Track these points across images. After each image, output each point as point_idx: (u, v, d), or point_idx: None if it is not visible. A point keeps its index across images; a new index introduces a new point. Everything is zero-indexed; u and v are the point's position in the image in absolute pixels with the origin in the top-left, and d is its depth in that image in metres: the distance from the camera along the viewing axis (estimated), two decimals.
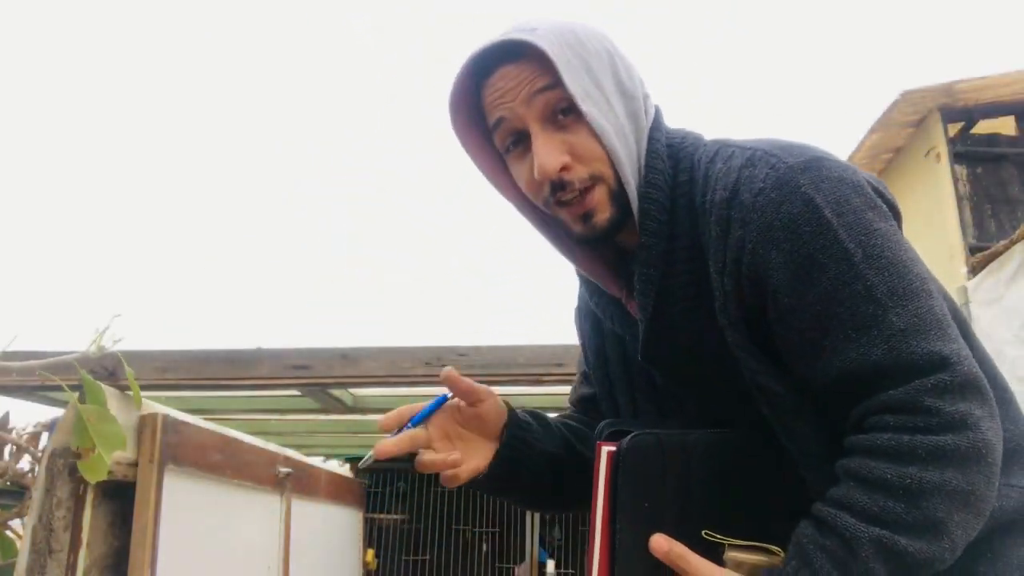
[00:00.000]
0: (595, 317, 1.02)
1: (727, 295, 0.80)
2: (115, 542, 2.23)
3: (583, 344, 1.08)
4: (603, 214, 0.84)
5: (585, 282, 0.98)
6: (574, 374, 1.17)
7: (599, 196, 0.83)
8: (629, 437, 0.80)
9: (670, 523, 0.77)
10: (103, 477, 1.90)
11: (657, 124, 0.88)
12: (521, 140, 0.85)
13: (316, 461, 3.98)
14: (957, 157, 6.37)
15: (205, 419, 2.77)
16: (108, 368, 2.29)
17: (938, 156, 6.37)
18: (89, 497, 2.10)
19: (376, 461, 0.93)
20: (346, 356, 2.54)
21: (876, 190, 0.80)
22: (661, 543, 0.76)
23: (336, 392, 3.11)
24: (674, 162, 0.86)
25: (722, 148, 0.85)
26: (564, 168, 0.82)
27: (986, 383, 0.72)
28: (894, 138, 6.71)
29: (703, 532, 0.77)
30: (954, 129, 6.51)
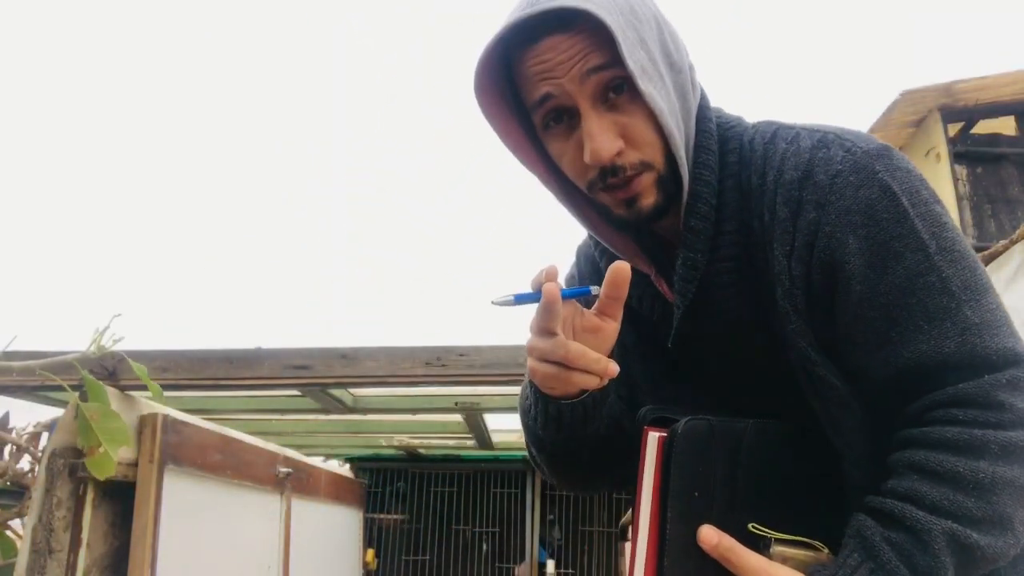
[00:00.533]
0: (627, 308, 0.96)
1: (794, 280, 0.76)
2: (115, 542, 2.23)
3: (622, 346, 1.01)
4: (648, 199, 0.80)
5: (607, 258, 0.91)
6: None
7: (646, 182, 0.79)
8: (684, 422, 0.76)
9: (717, 513, 0.75)
10: (111, 473, 1.90)
11: (706, 101, 0.85)
12: (564, 117, 0.79)
13: (316, 461, 3.99)
14: (957, 157, 6.38)
15: (205, 419, 2.77)
16: (108, 368, 2.29)
17: (938, 156, 6.37)
18: (89, 497, 2.10)
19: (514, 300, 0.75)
20: (346, 356, 2.54)
21: None
22: (711, 535, 0.73)
23: (336, 392, 3.10)
24: (721, 142, 0.83)
25: (781, 129, 0.82)
26: (619, 153, 0.77)
27: None
28: (894, 138, 6.71)
29: (749, 525, 0.75)
30: (954, 129, 6.51)
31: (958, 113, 6.39)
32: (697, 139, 0.82)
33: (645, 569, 0.75)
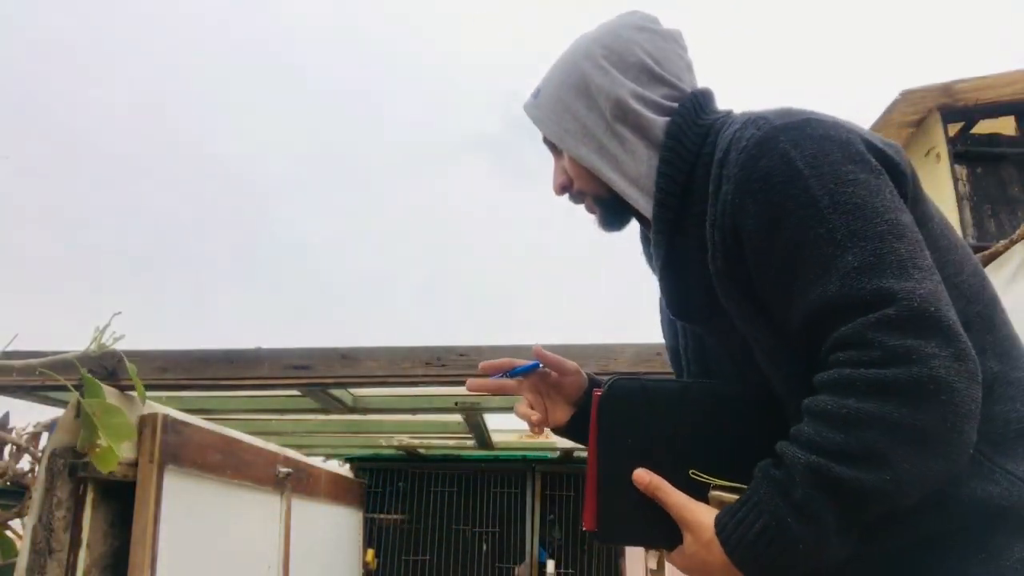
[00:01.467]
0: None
1: (715, 246, 0.86)
2: (115, 542, 2.23)
3: (660, 307, 1.15)
4: (596, 215, 1.03)
5: (645, 240, 1.10)
6: None
7: (588, 205, 1.03)
8: (610, 380, 0.90)
9: (660, 463, 0.85)
10: (114, 467, 1.90)
11: (691, 107, 0.96)
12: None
13: (316, 461, 3.99)
14: (957, 157, 6.37)
15: (205, 419, 2.77)
16: (108, 368, 2.29)
17: (938, 156, 6.36)
18: (89, 497, 2.10)
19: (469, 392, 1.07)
20: (346, 356, 2.54)
21: (875, 148, 0.83)
22: (642, 476, 0.84)
23: (336, 392, 3.10)
24: (702, 137, 0.93)
25: (738, 117, 0.91)
26: (564, 188, 1.03)
27: (955, 325, 0.72)
28: (894, 138, 6.70)
29: (690, 472, 0.84)
30: (954, 129, 6.50)
31: (958, 113, 6.38)
32: (666, 142, 0.94)
33: (586, 505, 0.88)
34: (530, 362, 1.05)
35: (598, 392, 0.90)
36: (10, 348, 1.91)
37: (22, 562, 1.98)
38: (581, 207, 1.06)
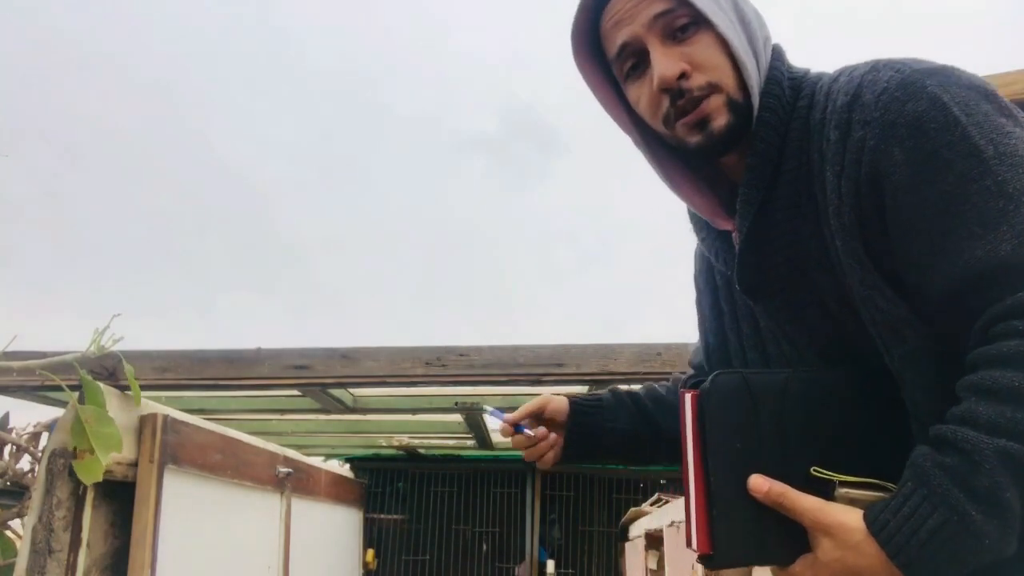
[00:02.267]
0: (709, 269, 1.02)
1: (842, 198, 0.77)
2: (115, 542, 2.23)
3: (699, 301, 1.08)
4: (720, 120, 0.83)
5: (696, 222, 0.98)
6: (573, 374, 1.22)
7: (716, 102, 0.83)
8: (712, 377, 0.79)
9: (770, 464, 0.75)
10: (98, 479, 1.90)
11: (779, 55, 0.88)
12: (641, 62, 0.86)
13: (316, 461, 3.99)
14: None
15: (205, 419, 2.77)
16: (108, 368, 2.29)
17: None
18: (89, 497, 2.10)
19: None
20: (346, 356, 2.54)
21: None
22: (760, 483, 0.74)
23: (336, 392, 3.10)
24: (795, 90, 0.85)
25: (847, 67, 0.83)
26: (683, 75, 0.82)
27: None
28: None
29: (811, 469, 0.75)
30: None
31: None
32: (765, 85, 0.85)
33: (697, 525, 0.76)
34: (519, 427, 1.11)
35: (689, 392, 0.80)
36: (10, 349, 1.91)
37: (22, 562, 1.98)
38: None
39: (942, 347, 0.73)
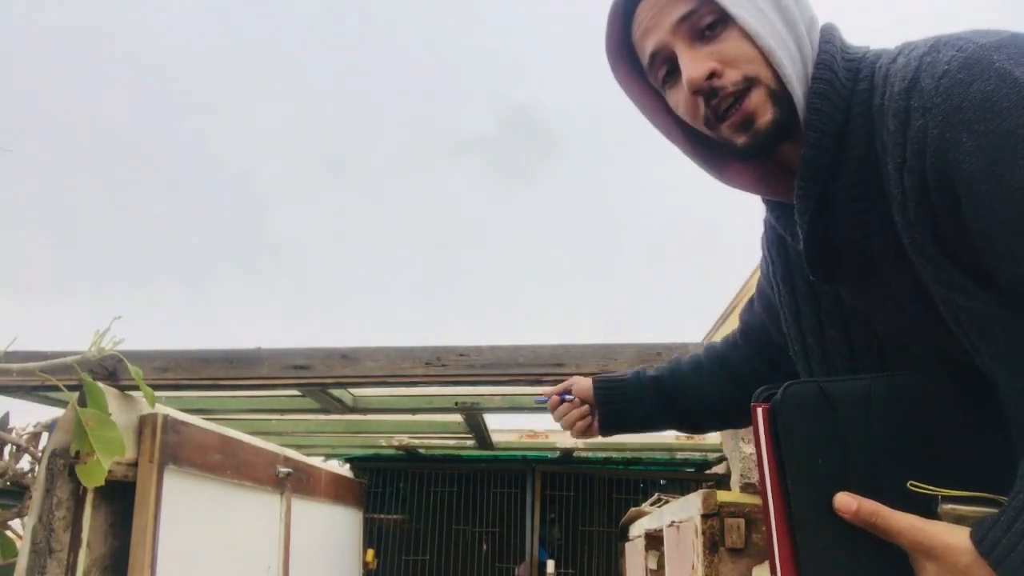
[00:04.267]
0: (783, 247, 0.96)
1: (906, 193, 0.71)
2: (115, 542, 2.23)
3: (769, 273, 1.02)
4: (764, 116, 0.79)
5: (771, 206, 0.93)
6: (573, 374, 1.25)
7: (757, 98, 0.79)
8: (783, 388, 0.72)
9: (860, 481, 0.69)
10: (100, 483, 1.90)
11: (829, 35, 0.83)
12: (674, 68, 0.83)
13: (316, 461, 3.99)
14: None
15: (205, 419, 2.77)
16: (108, 368, 2.29)
17: None
18: (89, 497, 2.10)
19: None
20: (346, 356, 2.54)
21: None
22: (848, 502, 0.68)
23: (336, 392, 3.10)
24: (854, 72, 0.80)
25: (907, 45, 0.77)
26: (713, 74, 0.79)
27: None
28: None
29: (908, 484, 0.68)
30: None
31: None
32: (816, 69, 0.80)
33: (780, 554, 0.70)
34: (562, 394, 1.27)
35: (760, 406, 0.73)
36: (10, 349, 1.91)
37: (22, 562, 1.98)
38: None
39: None
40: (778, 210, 0.91)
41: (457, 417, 4.00)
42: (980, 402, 0.71)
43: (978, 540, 0.62)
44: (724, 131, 0.82)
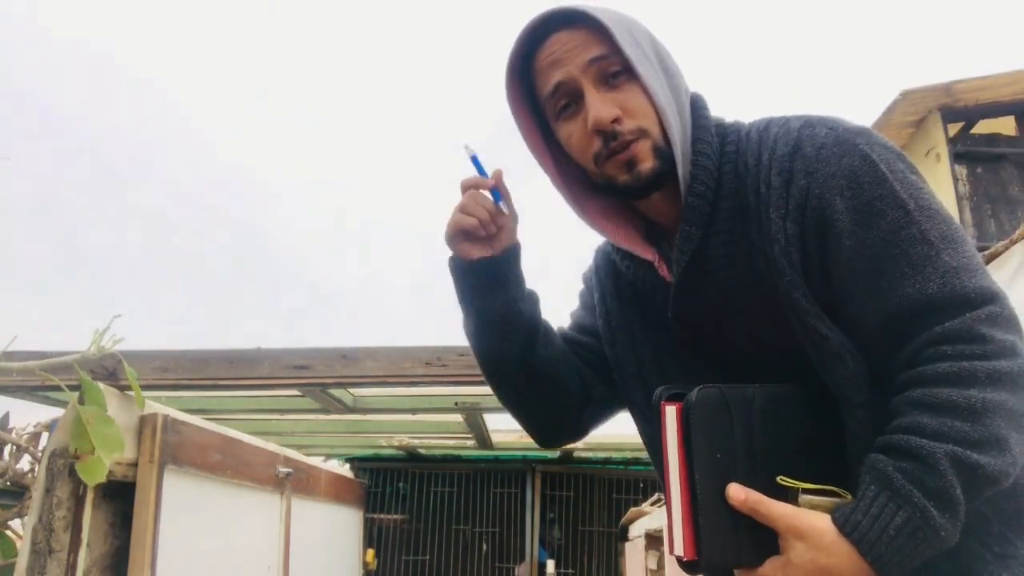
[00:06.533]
0: (617, 289, 1.07)
1: (789, 238, 0.85)
2: (115, 542, 2.23)
3: (603, 309, 1.09)
4: (647, 163, 0.89)
5: (619, 252, 1.03)
6: None
7: (644, 148, 0.89)
8: (696, 391, 0.83)
9: (742, 472, 0.82)
10: (102, 480, 1.90)
11: (701, 105, 0.96)
12: (574, 102, 0.91)
13: (316, 461, 3.99)
14: (957, 157, 6.37)
15: (205, 419, 2.77)
16: (108, 368, 2.28)
17: (938, 156, 6.36)
18: (89, 497, 2.10)
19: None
20: (346, 356, 2.53)
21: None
22: (738, 492, 0.81)
23: (336, 392, 3.10)
24: (720, 137, 0.94)
25: (774, 118, 0.92)
26: (616, 120, 0.88)
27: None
28: (894, 138, 6.70)
29: (777, 478, 0.81)
30: (954, 129, 6.50)
31: (958, 113, 6.37)
32: (695, 132, 0.93)
33: (683, 529, 0.82)
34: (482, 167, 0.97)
35: (671, 406, 0.85)
36: (10, 349, 1.91)
37: (22, 562, 1.98)
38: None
39: (875, 370, 0.84)
40: (629, 260, 1.01)
41: (457, 417, 4.00)
42: (825, 415, 0.87)
43: (841, 523, 0.76)
44: (609, 167, 0.91)
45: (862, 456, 0.80)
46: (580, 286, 1.20)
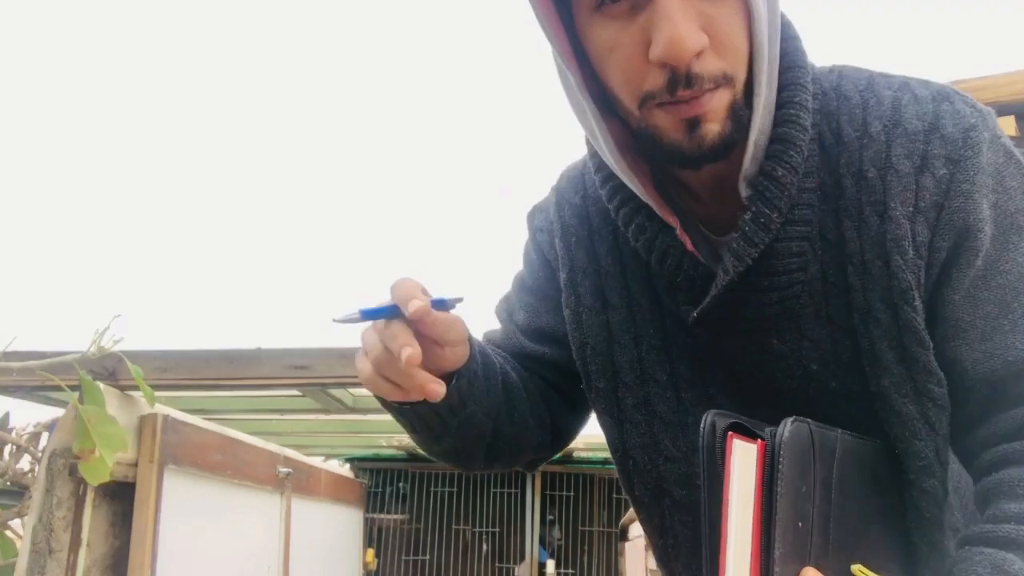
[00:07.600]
0: (621, 257, 0.77)
1: (919, 247, 0.63)
2: (115, 542, 2.23)
3: (574, 294, 0.79)
4: (715, 125, 0.60)
5: (623, 208, 0.72)
6: None
7: (720, 102, 0.60)
8: (789, 425, 0.58)
9: (815, 549, 0.61)
10: (105, 479, 1.90)
11: (793, 36, 0.68)
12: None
13: (316, 461, 3.99)
14: None
15: (205, 419, 2.77)
16: (108, 368, 2.28)
17: None
18: (89, 497, 2.10)
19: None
20: (346, 356, 2.53)
21: None
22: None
23: (336, 392, 3.10)
24: (818, 93, 0.68)
25: (876, 75, 0.69)
26: (700, 53, 0.58)
27: None
28: None
29: (852, 568, 0.62)
30: None
31: None
32: (785, 79, 0.65)
33: None
34: (386, 305, 0.62)
35: (744, 441, 0.59)
36: (10, 349, 1.91)
37: (22, 562, 1.98)
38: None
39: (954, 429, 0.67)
40: (641, 218, 0.70)
41: None
42: (888, 482, 0.68)
43: None
44: (659, 118, 0.62)
45: (933, 535, 0.66)
46: (527, 237, 0.87)
